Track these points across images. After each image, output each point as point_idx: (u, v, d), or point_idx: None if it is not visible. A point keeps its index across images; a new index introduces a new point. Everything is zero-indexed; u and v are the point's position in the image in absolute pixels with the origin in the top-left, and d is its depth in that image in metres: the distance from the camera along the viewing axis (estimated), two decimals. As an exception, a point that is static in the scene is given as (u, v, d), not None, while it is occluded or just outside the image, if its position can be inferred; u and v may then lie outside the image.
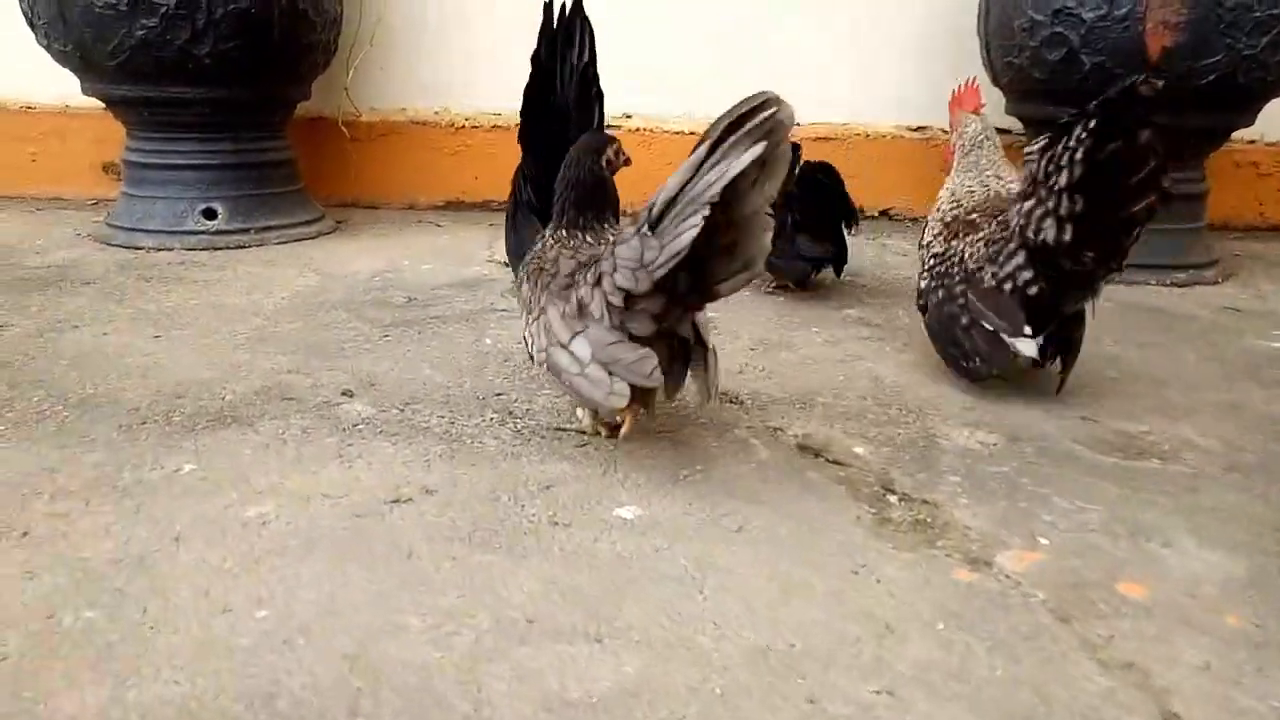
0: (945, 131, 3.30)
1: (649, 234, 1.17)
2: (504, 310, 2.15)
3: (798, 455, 1.44)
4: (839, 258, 2.30)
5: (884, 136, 3.27)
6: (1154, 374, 1.83)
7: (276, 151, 2.81)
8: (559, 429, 1.48)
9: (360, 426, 1.48)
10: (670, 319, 1.25)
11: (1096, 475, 1.38)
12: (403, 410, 1.56)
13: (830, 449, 1.46)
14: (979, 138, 1.88)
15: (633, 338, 1.25)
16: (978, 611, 1.03)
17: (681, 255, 1.13)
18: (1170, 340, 2.06)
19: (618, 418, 1.37)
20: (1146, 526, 1.23)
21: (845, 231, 2.30)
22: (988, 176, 1.82)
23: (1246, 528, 1.24)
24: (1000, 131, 3.18)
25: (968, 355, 1.65)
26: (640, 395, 1.27)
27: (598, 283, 1.25)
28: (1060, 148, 1.44)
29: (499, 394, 1.64)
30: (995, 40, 2.62)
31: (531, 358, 1.38)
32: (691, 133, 3.15)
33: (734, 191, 1.11)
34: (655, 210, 1.16)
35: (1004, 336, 1.58)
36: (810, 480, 1.35)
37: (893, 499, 1.30)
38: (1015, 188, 1.67)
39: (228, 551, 1.11)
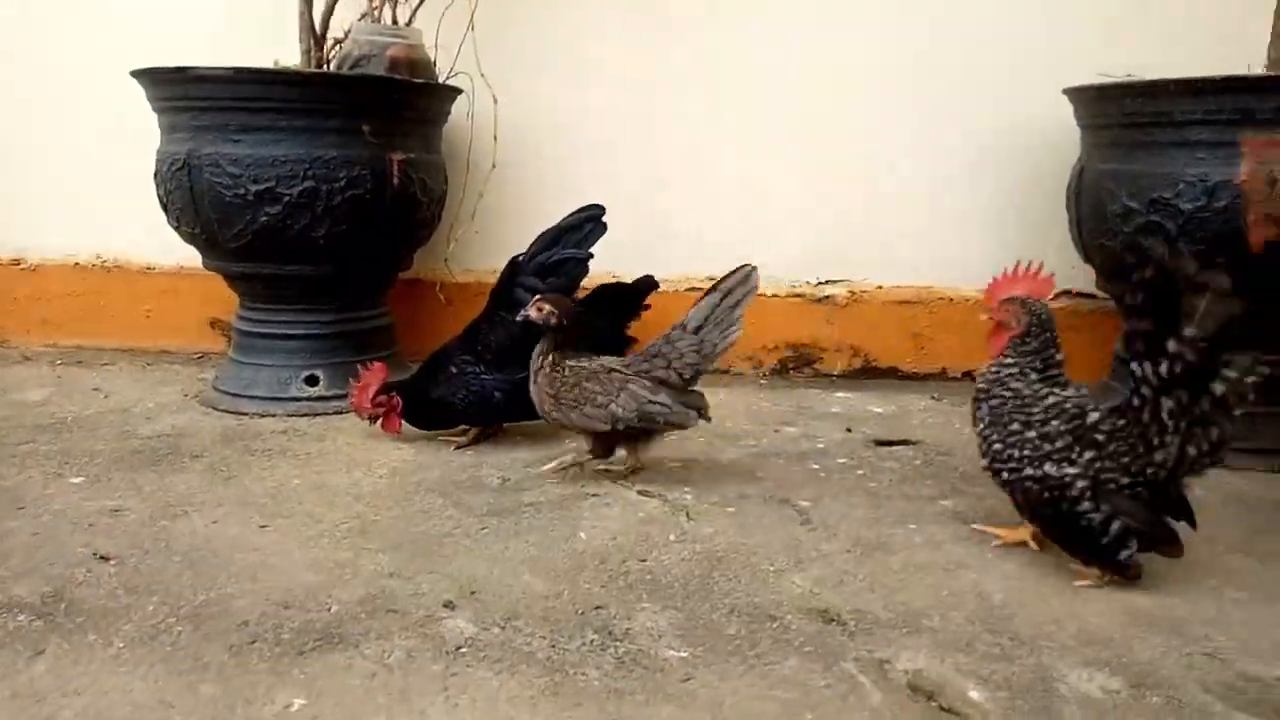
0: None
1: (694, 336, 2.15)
2: (595, 495, 2.16)
3: (910, 699, 1.38)
4: None
5: (966, 301, 3.28)
6: (1283, 597, 1.73)
7: (376, 319, 2.94)
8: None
9: (463, 650, 1.49)
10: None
11: (1238, 742, 1.29)
12: (504, 628, 1.56)
13: (944, 693, 1.40)
14: None
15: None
16: None
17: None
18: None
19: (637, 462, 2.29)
20: (1305, 820, 1.14)
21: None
22: None
23: None
24: (1084, 296, 3.21)
25: None
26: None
27: (668, 366, 2.15)
28: None
29: (598, 607, 1.63)
30: (1087, 222, 2.62)
31: (616, 415, 2.13)
32: (777, 295, 3.22)
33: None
34: (692, 324, 2.16)
35: None
36: (928, 738, 1.29)
37: (1018, 766, 1.24)
38: None
39: (342, 819, 1.10)
